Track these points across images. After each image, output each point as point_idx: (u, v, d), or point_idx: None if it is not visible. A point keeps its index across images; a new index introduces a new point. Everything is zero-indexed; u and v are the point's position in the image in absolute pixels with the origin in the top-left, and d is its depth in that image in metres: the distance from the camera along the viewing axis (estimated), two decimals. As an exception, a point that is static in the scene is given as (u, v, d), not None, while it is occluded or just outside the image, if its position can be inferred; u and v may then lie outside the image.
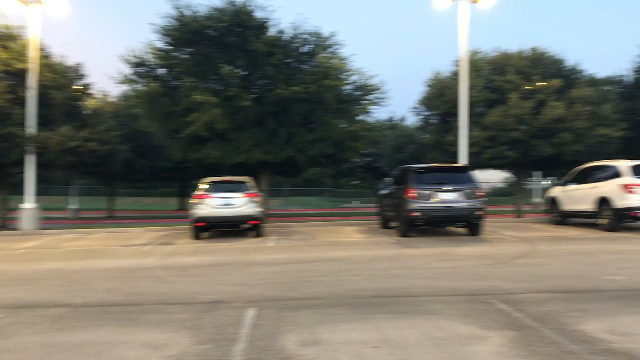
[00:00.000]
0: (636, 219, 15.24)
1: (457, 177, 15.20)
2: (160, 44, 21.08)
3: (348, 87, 21.75)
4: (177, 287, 8.61)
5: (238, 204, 15.71)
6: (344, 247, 13.50)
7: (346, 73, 21.40)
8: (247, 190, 16.06)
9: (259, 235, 16.25)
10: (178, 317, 6.57)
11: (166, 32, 20.67)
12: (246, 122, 20.72)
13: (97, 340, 5.71)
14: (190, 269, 10.59)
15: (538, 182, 40.26)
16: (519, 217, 22.75)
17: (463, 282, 8.35)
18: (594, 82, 25.22)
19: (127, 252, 13.69)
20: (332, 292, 7.75)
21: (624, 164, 15.60)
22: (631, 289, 7.57)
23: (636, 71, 24.19)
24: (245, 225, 16.21)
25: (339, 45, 21.78)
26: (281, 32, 21.28)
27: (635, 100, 23.67)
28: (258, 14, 20.82)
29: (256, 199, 16.02)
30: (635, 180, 14.96)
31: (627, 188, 15.01)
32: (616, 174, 15.64)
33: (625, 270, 9.10)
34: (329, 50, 21.65)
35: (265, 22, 20.87)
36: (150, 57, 21.27)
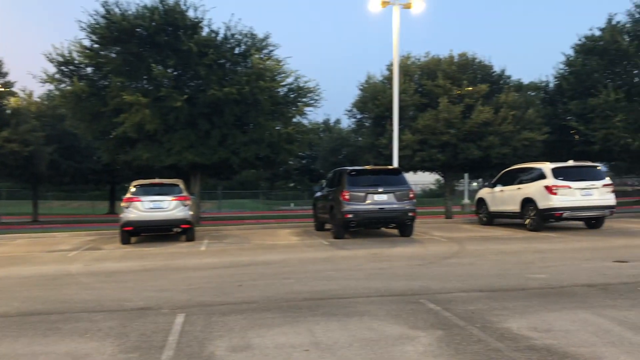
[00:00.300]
0: (559, 219, 15.95)
1: (390, 179, 15.42)
2: (87, 42, 20.34)
3: (283, 88, 21.71)
4: (103, 294, 8.27)
5: (168, 207, 15.33)
6: (278, 250, 13.42)
7: (281, 75, 21.34)
8: (178, 193, 15.70)
9: (190, 239, 15.91)
10: (103, 325, 6.30)
11: (93, 30, 19.94)
12: (178, 123, 20.28)
13: (13, 352, 5.38)
14: (118, 274, 10.22)
15: (468, 184, 41.47)
16: (449, 218, 23.35)
17: (394, 283, 8.45)
18: (519, 87, 26.25)
19: (52, 258, 13.08)
20: (264, 296, 7.65)
21: (547, 166, 16.29)
22: (553, 287, 7.87)
23: (558, 78, 25.31)
24: (177, 229, 15.84)
25: (274, 47, 21.75)
26: (214, 32, 20.99)
27: (557, 106, 24.77)
28: (190, 14, 20.44)
29: (187, 202, 15.69)
30: (558, 182, 15.65)
31: (550, 189, 15.68)
32: (540, 176, 16.31)
33: (548, 269, 9.46)
34: (264, 51, 21.53)
35: (198, 22, 20.51)
36: (76, 56, 20.48)
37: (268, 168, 28.07)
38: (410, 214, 15.03)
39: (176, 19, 20.01)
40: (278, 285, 8.52)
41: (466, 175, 37.41)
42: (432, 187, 64.09)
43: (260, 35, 21.56)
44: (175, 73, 20.97)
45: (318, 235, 16.93)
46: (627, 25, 23.71)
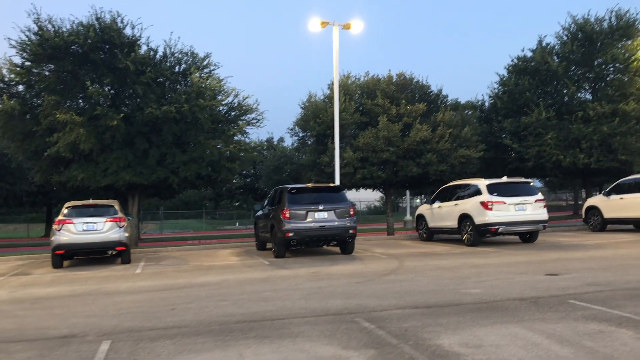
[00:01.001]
0: (495, 233, 16.34)
1: (330, 197, 15.43)
2: (18, 60, 19.62)
3: (224, 107, 21.53)
4: (25, 322, 7.84)
5: (103, 229, 14.81)
6: (217, 271, 13.15)
7: (222, 93, 21.18)
8: (113, 214, 15.20)
9: (126, 261, 15.41)
10: (20, 356, 5.95)
11: (24, 47, 19.24)
12: (114, 143, 19.75)
13: None
14: (45, 301, 9.74)
15: (410, 200, 42.16)
16: (391, 235, 23.56)
17: (331, 302, 8.38)
18: (457, 106, 27.02)
19: (-26, 285, 12.36)
20: (196, 320, 7.43)
21: (482, 183, 16.71)
22: (486, 301, 7.98)
23: (493, 97, 26.18)
24: (112, 252, 15.32)
25: (215, 66, 21.57)
26: (153, 50, 20.64)
27: (492, 124, 25.57)
28: (127, 32, 20.05)
29: (123, 223, 15.20)
30: (493, 198, 16.05)
31: (486, 205, 16.06)
32: (476, 192, 16.71)
33: (482, 284, 9.62)
34: (205, 70, 21.33)
35: (136, 40, 20.12)
36: (6, 73, 19.71)
37: (209, 187, 27.66)
38: (351, 231, 15.06)
39: (112, 37, 19.57)
40: (212, 307, 8.31)
41: (407, 192, 38.04)
42: (377, 204, 64.87)
43: (201, 54, 21.40)
44: (112, 91, 20.48)
45: (259, 254, 16.73)
46: (556, 47, 24.84)
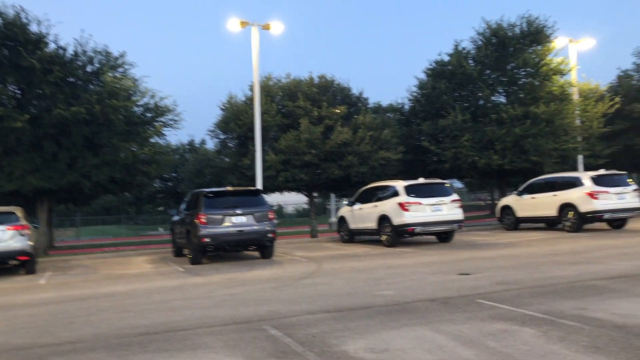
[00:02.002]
0: (412, 234, 16.55)
1: (249, 200, 15.12)
2: None
3: (139, 108, 20.72)
4: None
5: (3, 237, 13.82)
6: (127, 279, 12.55)
7: (137, 94, 20.39)
8: (15, 221, 14.22)
9: (30, 272, 14.47)
10: None
11: None
12: (20, 146, 18.58)
13: None
14: None
15: (335, 202, 42.32)
16: (314, 237, 23.48)
17: (242, 309, 8.10)
18: (378, 109, 27.36)
19: None
20: (94, 334, 6.96)
21: (400, 184, 16.89)
22: (397, 303, 7.95)
23: (412, 100, 26.66)
24: (13, 262, 14.33)
25: (129, 65, 20.72)
26: (62, 48, 19.59)
27: (412, 126, 26.02)
28: (33, 28, 18.93)
29: (26, 232, 14.25)
30: (410, 199, 16.25)
31: (403, 206, 16.24)
32: (394, 194, 16.87)
33: (397, 285, 9.62)
34: (119, 70, 20.46)
35: (42, 36, 19.02)
36: None
37: (125, 192, 26.60)
38: (270, 235, 14.80)
39: (16, 33, 18.41)
40: (115, 320, 7.83)
41: (332, 194, 38.20)
42: (305, 206, 64.91)
43: (115, 53, 20.52)
44: (17, 91, 19.28)
45: (175, 261, 16.17)
46: (472, 51, 25.60)
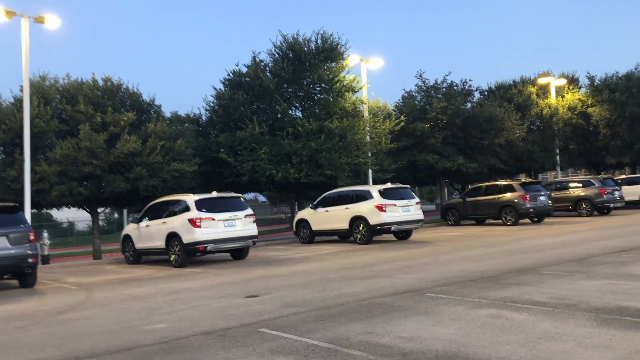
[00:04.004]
0: (204, 252, 15.36)
1: (4, 219, 12.63)
2: None
3: None
4: None
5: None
6: None
7: None
8: None
9: None
10: None
11: None
12: None
13: None
14: None
15: (128, 218, 39.34)
16: (98, 259, 21.05)
17: (-40, 364, 6.22)
18: (171, 118, 25.72)
19: None
20: None
21: (191, 198, 15.62)
22: (167, 340, 6.72)
23: (209, 110, 25.54)
24: None
25: None
26: None
27: (209, 138, 24.88)
28: None
29: None
30: (201, 214, 15.06)
31: (194, 222, 14.99)
32: (185, 209, 15.55)
33: (173, 315, 8.38)
34: None
35: None
36: None
37: None
38: (30, 260, 12.48)
39: None
40: None
41: (125, 210, 35.38)
42: (101, 223, 59.79)
43: None
44: None
45: None
46: (270, 64, 25.31)
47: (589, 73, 42.17)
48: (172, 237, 15.44)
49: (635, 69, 34.15)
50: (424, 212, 20.75)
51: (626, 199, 27.50)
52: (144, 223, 17.00)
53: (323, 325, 6.97)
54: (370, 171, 26.31)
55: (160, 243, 15.96)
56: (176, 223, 15.47)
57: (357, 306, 8.09)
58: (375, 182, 25.72)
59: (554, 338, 5.81)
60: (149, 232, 16.66)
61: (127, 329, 7.55)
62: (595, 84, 35.56)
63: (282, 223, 56.17)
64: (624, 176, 33.58)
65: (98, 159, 19.13)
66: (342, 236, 20.70)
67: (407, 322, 6.90)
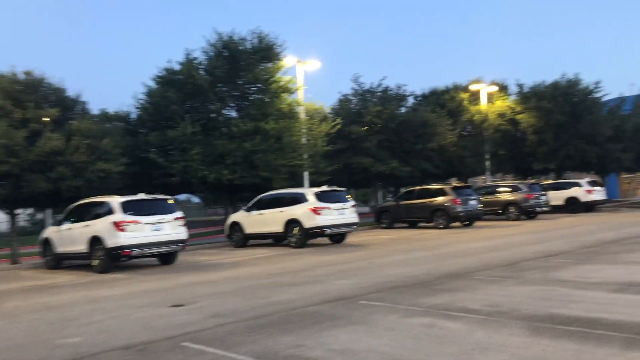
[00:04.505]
0: (129, 257, 14.62)
1: None
2: None
3: None
4: None
5: None
6: None
7: None
8: None
9: None
10: None
11: None
12: None
13: None
14: None
15: (53, 220, 37.41)
16: (16, 263, 19.74)
17: None
18: (98, 116, 24.54)
19: None
20: None
21: (116, 200, 14.84)
22: (81, 356, 6.17)
23: (139, 108, 24.58)
24: None
25: None
26: None
27: (139, 137, 23.92)
28: None
29: None
30: (126, 217, 14.32)
31: (119, 226, 14.23)
32: (109, 211, 14.75)
33: (90, 327, 7.78)
34: None
35: None
36: None
37: None
38: None
39: None
40: None
41: (50, 210, 33.61)
42: (24, 223, 56.66)
43: None
44: None
45: None
46: (204, 62, 24.60)
47: (518, 81, 43.61)
48: (95, 241, 14.60)
49: (561, 78, 35.50)
50: (359, 214, 20.67)
51: (552, 203, 28.53)
52: (65, 226, 16.05)
53: (251, 338, 6.60)
54: (306, 173, 26.02)
55: (83, 247, 15.06)
56: (99, 226, 14.64)
57: (288, 315, 7.77)
58: (311, 185, 25.45)
59: (487, 349, 5.69)
60: (70, 236, 15.71)
61: (36, 344, 6.93)
62: (524, 91, 36.74)
63: (216, 225, 55.11)
64: (549, 181, 34.93)
65: (17, 157, 17.88)
66: (276, 240, 20.34)
67: (340, 333, 6.63)
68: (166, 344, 6.53)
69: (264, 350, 6.03)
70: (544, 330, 6.28)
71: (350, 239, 20.55)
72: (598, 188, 31.28)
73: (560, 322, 6.58)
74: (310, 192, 19.09)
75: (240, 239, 20.34)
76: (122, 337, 6.99)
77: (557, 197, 30.21)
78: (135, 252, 14.27)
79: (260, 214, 19.86)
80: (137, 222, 14.30)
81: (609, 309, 7.20)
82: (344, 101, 32.61)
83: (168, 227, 14.91)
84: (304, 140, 25.23)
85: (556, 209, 29.61)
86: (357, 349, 5.91)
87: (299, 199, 19.03)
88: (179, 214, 15.44)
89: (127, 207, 14.47)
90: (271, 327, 7.08)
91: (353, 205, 19.61)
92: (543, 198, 27.46)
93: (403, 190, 31.50)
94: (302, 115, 25.82)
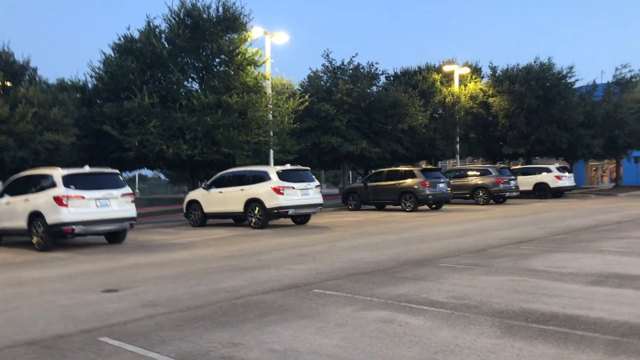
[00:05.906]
0: (72, 235, 13.48)
1: None
2: None
3: None
4: None
5: None
6: None
7: None
8: None
9: None
10: None
11: None
12: None
13: None
14: None
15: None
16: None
17: None
18: (54, 85, 23.08)
19: None
20: None
21: (58, 173, 13.62)
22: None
23: (94, 77, 23.17)
24: None
25: None
26: None
27: (94, 107, 22.56)
28: None
29: None
30: (70, 192, 13.15)
31: (61, 201, 13.06)
32: (51, 185, 13.55)
33: (1, 315, 6.75)
34: None
35: None
36: None
37: None
38: None
39: None
40: None
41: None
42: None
43: None
44: None
45: None
46: (165, 30, 23.27)
47: (491, 63, 43.19)
48: (35, 216, 13.42)
49: (534, 62, 35.00)
50: (328, 195, 19.84)
51: (521, 188, 28.13)
52: (4, 199, 14.77)
53: (182, 333, 5.67)
54: (271, 151, 24.99)
55: (22, 223, 13.85)
56: (40, 201, 13.45)
57: (231, 306, 6.85)
58: (277, 163, 24.48)
59: (453, 352, 4.87)
60: (10, 210, 14.46)
61: None
62: (497, 74, 36.18)
63: (180, 203, 53.85)
64: (519, 166, 34.60)
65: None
66: (236, 219, 19.40)
67: (285, 329, 5.74)
68: (81, 339, 5.56)
69: (193, 349, 5.12)
70: (517, 329, 5.50)
71: (314, 220, 19.71)
72: (567, 174, 31.03)
73: (535, 320, 5.81)
74: (273, 171, 18.12)
75: (199, 218, 19.31)
76: (33, 330, 5.99)
77: (526, 182, 29.87)
78: (79, 229, 13.13)
79: (220, 192, 18.82)
80: (81, 197, 13.15)
81: (587, 304, 6.47)
82: (313, 78, 31.59)
83: (115, 204, 13.78)
84: (270, 116, 24.19)
85: (524, 194, 29.27)
86: (301, 349, 5.04)
87: (262, 178, 18.06)
88: (128, 189, 14.32)
89: (70, 181, 13.28)
90: (208, 320, 6.17)
91: (318, 186, 18.72)
92: (512, 183, 27.02)
93: (372, 171, 30.76)
94: (269, 90, 24.74)
